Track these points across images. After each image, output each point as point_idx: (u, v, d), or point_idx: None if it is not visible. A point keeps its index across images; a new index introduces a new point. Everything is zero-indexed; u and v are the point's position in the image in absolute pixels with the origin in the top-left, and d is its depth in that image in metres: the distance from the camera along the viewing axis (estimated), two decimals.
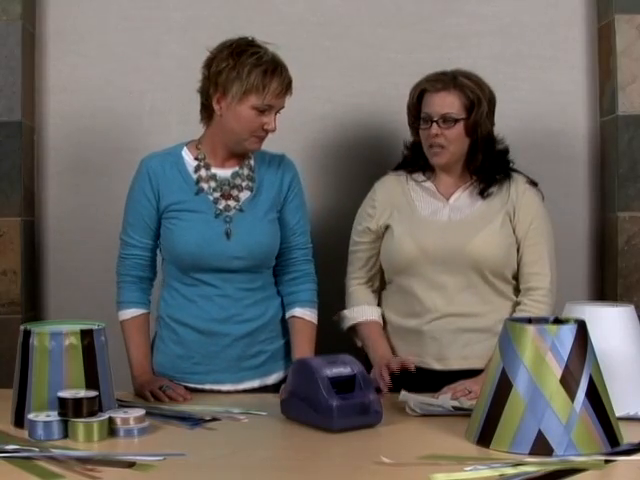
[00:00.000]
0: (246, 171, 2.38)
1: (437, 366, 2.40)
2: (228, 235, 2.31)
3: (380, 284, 2.55)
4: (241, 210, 2.34)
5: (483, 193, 2.43)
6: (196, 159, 2.36)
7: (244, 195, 2.36)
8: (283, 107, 2.32)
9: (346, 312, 2.52)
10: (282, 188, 2.41)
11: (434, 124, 2.38)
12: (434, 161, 2.43)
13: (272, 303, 2.41)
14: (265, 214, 2.36)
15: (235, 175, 2.36)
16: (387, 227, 2.47)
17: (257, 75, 2.23)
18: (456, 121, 2.37)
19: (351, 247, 2.55)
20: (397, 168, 2.55)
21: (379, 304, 2.53)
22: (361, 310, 2.50)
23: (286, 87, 2.28)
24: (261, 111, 2.26)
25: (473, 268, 2.37)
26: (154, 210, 2.34)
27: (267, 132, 2.30)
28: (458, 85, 2.38)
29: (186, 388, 2.29)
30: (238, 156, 2.38)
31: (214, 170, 2.36)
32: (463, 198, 2.45)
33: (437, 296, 2.39)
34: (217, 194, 2.34)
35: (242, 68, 2.23)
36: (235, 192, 2.35)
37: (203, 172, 2.35)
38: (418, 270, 2.40)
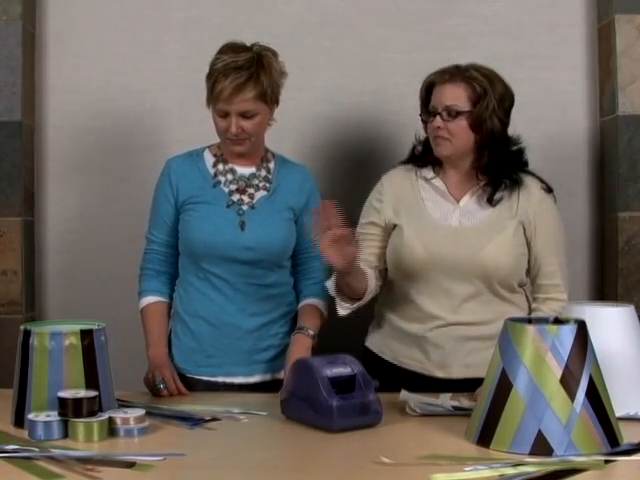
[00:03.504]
0: (263, 173, 2.43)
1: (439, 374, 2.37)
2: (242, 227, 2.36)
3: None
4: (253, 207, 2.39)
5: (491, 200, 2.38)
6: (214, 156, 2.44)
7: (259, 194, 2.41)
8: (247, 110, 2.29)
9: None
10: (301, 194, 2.44)
11: (437, 116, 2.34)
12: (437, 152, 2.38)
13: (284, 301, 2.45)
14: (280, 212, 2.41)
15: (252, 176, 2.42)
16: (395, 226, 2.41)
17: (212, 82, 2.31)
18: (459, 114, 2.32)
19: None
20: (406, 162, 2.51)
21: (378, 301, 2.49)
22: None
23: (234, 90, 2.27)
24: (222, 116, 2.32)
25: (482, 277, 2.33)
26: (172, 207, 2.41)
27: (236, 136, 2.32)
28: (466, 77, 2.34)
29: (200, 381, 2.37)
30: (252, 157, 2.42)
31: (232, 165, 2.42)
32: (473, 202, 2.40)
33: (443, 304, 2.35)
34: (233, 186, 2.40)
35: (208, 76, 2.33)
36: (251, 190, 2.41)
37: (221, 166, 2.42)
38: (425, 276, 2.36)
